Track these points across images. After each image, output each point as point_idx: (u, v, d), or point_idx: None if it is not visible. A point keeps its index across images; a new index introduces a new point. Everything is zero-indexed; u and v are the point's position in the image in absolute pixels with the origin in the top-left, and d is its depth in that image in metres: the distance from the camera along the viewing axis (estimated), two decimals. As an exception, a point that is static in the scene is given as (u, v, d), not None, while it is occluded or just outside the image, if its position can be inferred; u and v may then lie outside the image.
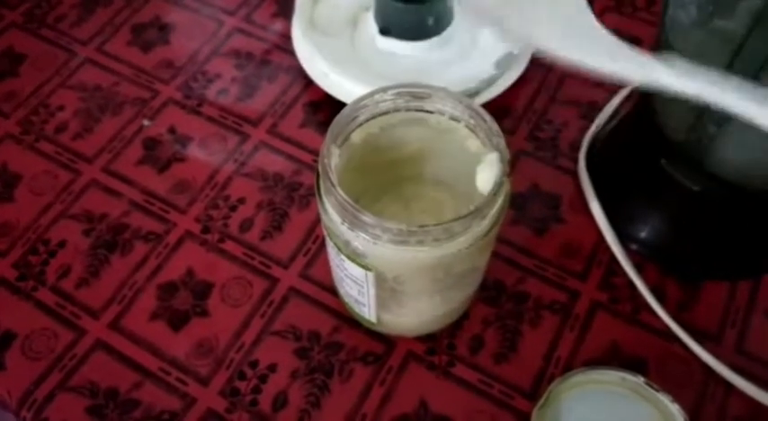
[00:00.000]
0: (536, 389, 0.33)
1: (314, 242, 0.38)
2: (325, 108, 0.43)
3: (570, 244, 0.38)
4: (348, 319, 0.35)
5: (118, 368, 0.34)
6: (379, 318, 0.32)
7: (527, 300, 0.36)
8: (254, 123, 0.43)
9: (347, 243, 0.26)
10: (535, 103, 0.43)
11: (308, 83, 0.44)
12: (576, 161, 0.41)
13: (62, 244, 0.38)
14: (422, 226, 0.24)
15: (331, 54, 0.41)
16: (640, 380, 0.31)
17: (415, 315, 0.31)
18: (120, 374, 0.34)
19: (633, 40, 0.46)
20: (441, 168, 0.33)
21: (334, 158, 0.26)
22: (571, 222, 0.39)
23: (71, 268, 0.37)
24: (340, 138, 0.27)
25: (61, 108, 0.44)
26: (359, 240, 0.26)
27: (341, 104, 0.41)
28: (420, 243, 0.25)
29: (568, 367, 0.34)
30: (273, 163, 0.41)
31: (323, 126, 0.42)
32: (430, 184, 0.34)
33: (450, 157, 0.32)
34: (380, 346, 0.35)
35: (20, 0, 0.49)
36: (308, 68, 0.42)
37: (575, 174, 0.40)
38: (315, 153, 0.41)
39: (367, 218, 0.24)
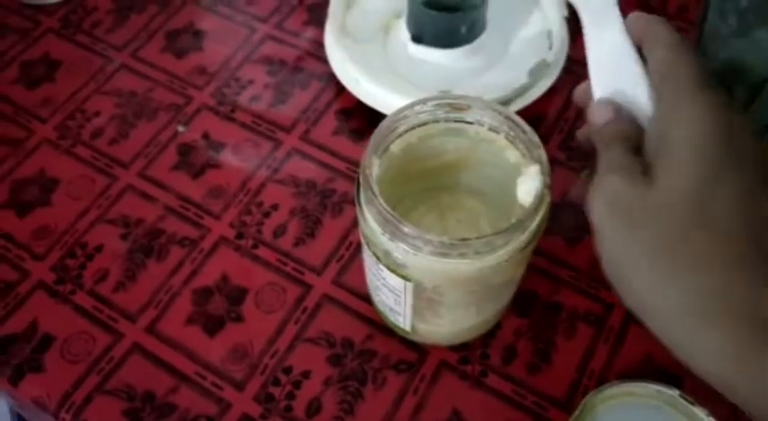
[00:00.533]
0: (570, 401, 0.33)
1: (347, 249, 0.38)
2: (358, 115, 0.43)
3: (604, 254, 0.38)
4: (381, 327, 0.36)
5: (154, 371, 0.35)
6: (413, 327, 0.32)
7: (561, 310, 0.36)
8: (287, 130, 0.43)
9: (387, 253, 0.26)
10: (567, 112, 0.43)
11: (341, 90, 0.44)
12: (609, 170, 0.40)
13: (99, 248, 0.39)
14: (463, 239, 0.24)
15: (363, 61, 0.41)
16: (675, 393, 0.31)
17: (450, 325, 0.31)
18: (157, 378, 0.35)
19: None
20: (477, 178, 0.33)
21: (375, 169, 0.26)
22: (605, 232, 0.38)
23: (108, 272, 0.38)
24: (380, 149, 0.27)
25: (97, 114, 0.44)
26: (399, 251, 0.26)
27: (373, 112, 0.42)
28: (461, 255, 0.25)
29: (602, 379, 0.34)
30: (306, 170, 0.41)
31: (355, 133, 0.43)
32: (466, 194, 0.34)
33: (488, 167, 0.32)
34: (413, 355, 0.35)
35: (56, 6, 0.49)
36: (341, 75, 0.42)
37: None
38: (347, 160, 0.41)
39: (408, 229, 0.25)
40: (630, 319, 0.35)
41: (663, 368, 0.34)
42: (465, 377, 0.34)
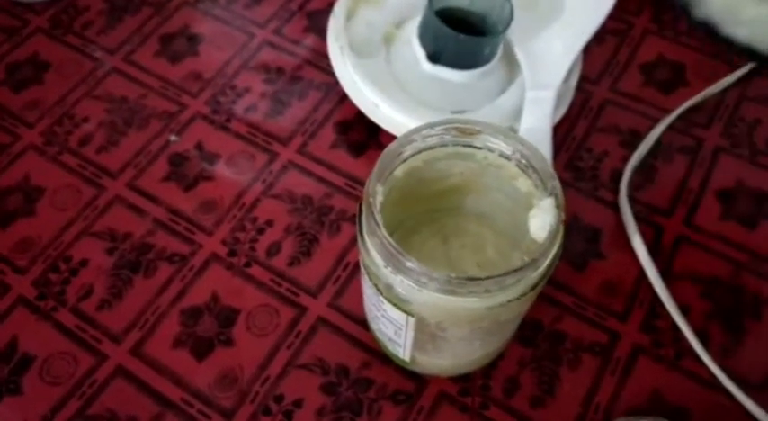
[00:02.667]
0: (574, 437, 0.32)
1: (344, 269, 0.37)
2: (358, 128, 0.42)
3: (611, 281, 0.36)
4: (378, 354, 0.34)
5: (138, 397, 0.33)
6: (413, 358, 0.31)
7: (565, 340, 0.35)
8: (284, 142, 0.41)
9: (389, 287, 0.25)
10: (575, 130, 0.42)
11: (340, 101, 0.42)
12: (617, 192, 0.39)
13: (84, 262, 0.37)
14: (472, 278, 0.23)
15: (367, 75, 0.39)
16: (684, 431, 0.30)
17: (451, 357, 0.30)
18: (141, 404, 0.33)
19: (675, 64, 0.44)
20: (483, 202, 0.31)
21: (378, 197, 0.25)
22: (611, 258, 0.37)
23: (93, 288, 0.36)
24: (385, 175, 0.26)
25: (86, 119, 0.42)
26: (402, 286, 0.24)
27: (372, 124, 0.40)
28: (469, 294, 0.23)
29: (608, 414, 0.32)
30: (303, 184, 0.40)
31: (354, 147, 0.41)
32: (470, 218, 0.32)
33: (495, 192, 0.30)
34: (411, 385, 0.33)
35: (46, 5, 0.47)
36: (355, 98, 0.40)
37: (615, 207, 0.39)
38: (346, 176, 0.40)
39: (413, 264, 0.23)
40: (638, 351, 0.34)
41: (671, 403, 0.33)
42: (465, 409, 0.33)
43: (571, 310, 0.35)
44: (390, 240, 0.23)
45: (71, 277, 0.37)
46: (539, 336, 0.35)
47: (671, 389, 0.33)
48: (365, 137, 0.41)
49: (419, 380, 0.33)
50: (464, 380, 0.33)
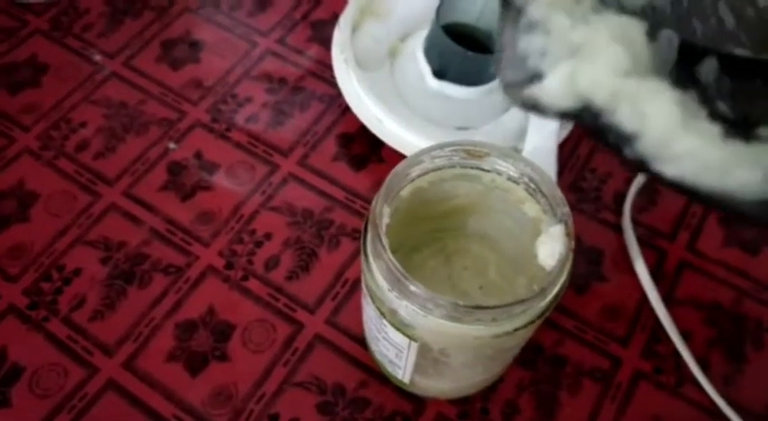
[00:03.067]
0: (573, 464, 0.31)
1: (343, 286, 0.36)
2: (360, 141, 0.41)
3: (612, 305, 0.36)
4: (376, 374, 0.33)
5: (130, 412, 0.32)
6: (412, 381, 0.30)
7: (565, 364, 0.34)
8: (285, 153, 0.41)
9: (393, 311, 0.24)
10: (579, 149, 0.41)
11: (343, 113, 0.42)
12: (620, 214, 0.39)
13: (77, 272, 0.36)
14: (479, 306, 0.22)
15: (371, 88, 0.39)
16: (684, 460, 0.29)
17: (453, 381, 0.29)
18: (132, 419, 0.32)
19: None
20: (487, 224, 0.31)
21: (385, 219, 0.24)
22: (614, 281, 0.37)
23: (86, 299, 0.35)
24: (391, 196, 0.25)
25: (83, 124, 0.42)
26: (407, 310, 0.24)
27: (375, 138, 0.39)
28: (475, 321, 0.23)
29: (608, 441, 0.32)
30: (303, 197, 0.39)
31: (356, 161, 0.40)
32: (473, 239, 0.32)
33: (500, 215, 0.30)
34: (409, 406, 0.33)
35: (45, 6, 0.47)
36: (359, 112, 0.39)
37: (618, 228, 0.38)
38: (346, 189, 0.39)
39: (419, 290, 0.23)
40: (639, 376, 0.34)
41: (671, 432, 0.32)
42: (463, 433, 0.32)
43: (572, 334, 0.35)
44: (397, 265, 0.23)
45: (64, 286, 0.36)
46: (539, 360, 0.34)
47: (671, 417, 0.33)
48: (367, 150, 0.41)
49: (417, 402, 0.33)
50: (463, 403, 0.33)
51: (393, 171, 0.25)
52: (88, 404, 0.32)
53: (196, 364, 0.34)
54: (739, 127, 0.16)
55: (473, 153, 0.26)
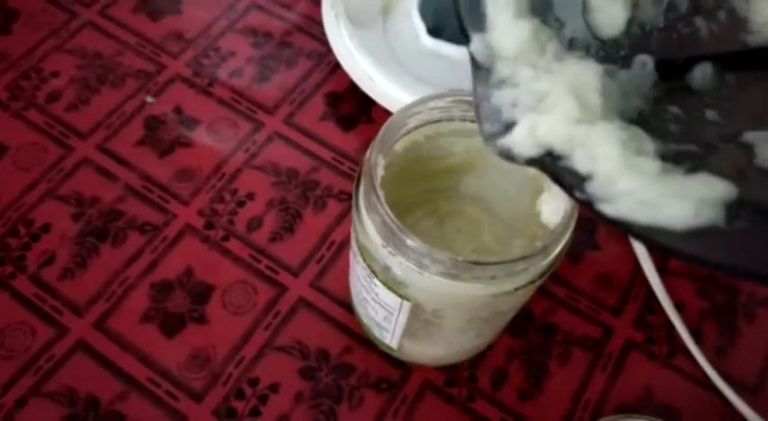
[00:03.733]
0: (562, 434, 0.31)
1: (328, 249, 0.35)
2: (349, 101, 0.39)
3: (606, 274, 0.35)
4: (362, 339, 0.32)
5: (101, 374, 0.31)
6: (400, 346, 0.29)
7: (556, 332, 0.33)
8: (270, 111, 0.39)
9: (386, 268, 0.23)
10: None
11: (332, 71, 0.40)
12: (614, 183, 0.38)
13: (47, 227, 0.34)
14: (479, 262, 0.21)
15: (363, 45, 0.37)
16: (675, 432, 0.29)
17: (443, 347, 0.28)
18: (104, 382, 0.30)
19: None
20: (483, 184, 0.29)
21: (380, 170, 0.23)
22: (607, 250, 0.36)
23: (55, 256, 0.34)
24: (387, 147, 0.24)
25: (56, 74, 0.39)
26: (401, 268, 0.22)
27: (365, 97, 0.38)
28: (473, 279, 0.21)
29: (597, 411, 0.31)
30: (288, 157, 0.37)
31: (344, 121, 0.39)
32: (467, 200, 0.30)
33: (497, 174, 0.28)
34: (396, 373, 0.31)
35: (17, -51, 0.44)
36: (349, 69, 0.38)
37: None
38: (334, 150, 0.38)
39: (416, 245, 0.21)
40: (630, 346, 0.33)
41: (661, 403, 0.32)
42: (451, 401, 0.31)
43: (564, 303, 0.34)
44: (393, 218, 0.21)
45: (32, 242, 0.34)
46: (530, 328, 0.33)
47: (662, 388, 0.32)
48: (356, 110, 0.39)
49: (404, 369, 0.32)
50: (450, 370, 0.32)
51: (389, 120, 0.23)
52: (56, 365, 0.31)
53: (172, 326, 0.32)
54: (687, 157, 0.17)
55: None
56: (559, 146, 0.17)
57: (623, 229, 0.16)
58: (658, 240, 0.16)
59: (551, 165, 0.17)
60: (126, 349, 0.31)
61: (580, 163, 0.17)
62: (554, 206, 0.23)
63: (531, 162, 0.18)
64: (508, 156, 0.18)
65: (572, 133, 0.17)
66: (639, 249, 0.35)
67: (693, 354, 0.33)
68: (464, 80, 0.38)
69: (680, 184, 0.16)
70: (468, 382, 0.32)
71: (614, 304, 0.34)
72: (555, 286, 0.34)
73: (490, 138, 0.18)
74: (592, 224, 0.36)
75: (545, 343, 0.33)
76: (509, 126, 0.18)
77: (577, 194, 0.17)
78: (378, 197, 0.22)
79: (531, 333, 0.33)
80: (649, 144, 0.17)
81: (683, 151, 0.17)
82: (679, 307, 0.34)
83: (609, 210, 0.16)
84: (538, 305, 0.34)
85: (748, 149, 0.17)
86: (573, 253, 0.35)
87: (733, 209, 0.15)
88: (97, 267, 0.33)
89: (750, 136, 0.17)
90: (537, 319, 0.33)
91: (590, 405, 0.31)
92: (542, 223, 0.24)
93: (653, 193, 0.16)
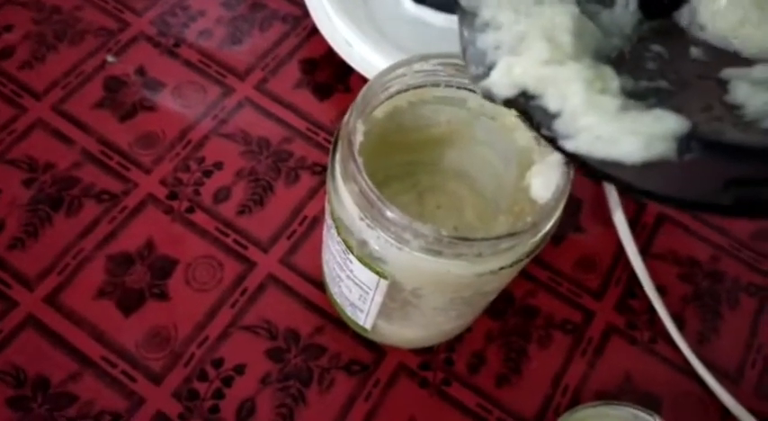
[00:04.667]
0: (540, 419, 0.29)
1: (300, 224, 0.33)
2: (325, 68, 0.37)
3: (588, 256, 0.34)
4: (334, 319, 0.30)
5: (51, 352, 0.28)
6: (375, 327, 0.27)
7: (536, 315, 0.32)
8: (241, 76, 0.36)
9: (363, 243, 0.21)
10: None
11: (308, 36, 0.38)
12: (599, 163, 0.36)
13: (-6, 193, 0.32)
14: (465, 238, 0.19)
15: (342, 9, 0.35)
16: (655, 419, 0.28)
17: (420, 328, 0.27)
18: (54, 361, 0.28)
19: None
20: (466, 158, 0.28)
21: (359, 136, 0.21)
22: (591, 232, 0.34)
23: (4, 224, 0.31)
24: (366, 111, 0.22)
25: (8, 28, 0.36)
26: (379, 242, 0.21)
27: (343, 65, 0.36)
28: (457, 256, 0.20)
29: (577, 396, 0.30)
30: (259, 125, 0.35)
31: (320, 89, 0.37)
32: (449, 175, 0.29)
33: (482, 147, 0.27)
34: (368, 355, 0.30)
35: None
36: (326, 33, 0.35)
37: (594, 178, 0.36)
38: (308, 120, 0.35)
39: (397, 216, 0.19)
40: (611, 331, 0.32)
41: (641, 389, 0.31)
42: (425, 385, 0.30)
43: (545, 285, 0.33)
44: (372, 187, 0.19)
45: (-22, 209, 0.31)
46: (509, 310, 0.32)
47: (643, 374, 0.31)
48: (333, 79, 0.37)
49: (377, 351, 0.30)
50: (426, 353, 0.30)
51: (369, 82, 0.22)
52: (2, 342, 0.28)
53: (130, 302, 0.30)
54: (654, 94, 0.18)
55: (463, 69, 0.23)
56: (532, 86, 0.18)
57: (580, 164, 0.17)
58: (611, 173, 0.17)
59: (524, 104, 0.18)
60: (79, 326, 0.29)
61: (551, 102, 0.18)
62: (545, 180, 0.21)
63: (508, 102, 0.18)
64: (489, 96, 0.19)
65: (542, 73, 0.18)
66: (623, 231, 0.34)
67: (675, 341, 0.32)
68: (446, 49, 0.36)
69: (633, 120, 0.17)
70: (444, 366, 0.30)
71: (596, 287, 0.33)
72: (536, 268, 0.33)
73: (475, 79, 0.19)
74: (576, 205, 0.35)
75: (525, 326, 0.32)
76: (492, 68, 0.19)
77: (544, 131, 0.18)
78: (357, 165, 0.20)
79: (510, 315, 0.32)
80: (615, 82, 0.18)
81: (652, 88, 0.18)
82: (661, 291, 0.33)
83: (569, 145, 0.17)
84: (518, 287, 0.32)
85: (723, 86, 0.18)
86: (555, 234, 0.34)
87: (683, 142, 0.16)
88: (49, 237, 0.31)
89: (728, 72, 0.18)
90: (517, 301, 0.32)
91: (569, 390, 0.30)
92: (530, 199, 0.23)
93: (609, 129, 0.17)
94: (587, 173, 0.18)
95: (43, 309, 0.29)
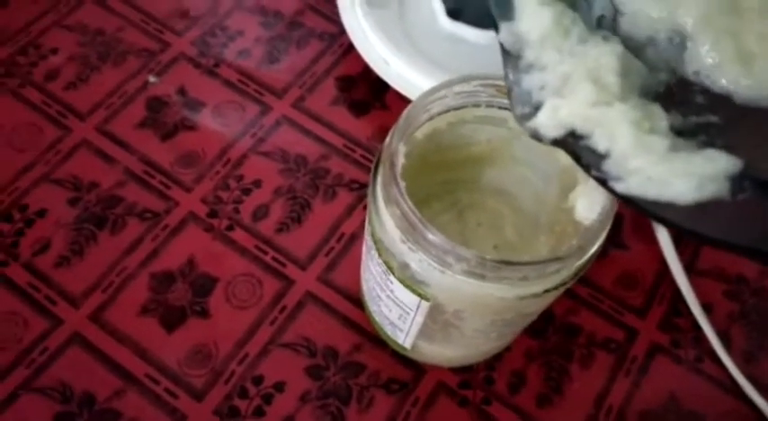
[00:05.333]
0: (583, 441, 0.29)
1: (338, 241, 0.33)
2: (362, 85, 0.37)
3: (630, 273, 0.33)
4: (372, 337, 0.30)
5: (97, 369, 0.29)
6: (414, 346, 0.27)
7: (578, 334, 0.31)
8: (279, 94, 0.37)
9: (404, 265, 0.21)
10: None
11: (344, 54, 0.38)
12: (639, 177, 0.36)
13: (42, 213, 0.32)
14: (509, 262, 0.19)
15: (378, 26, 0.35)
16: (702, 441, 0.27)
17: (460, 348, 0.27)
18: (99, 378, 0.29)
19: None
20: (506, 176, 0.27)
21: (401, 158, 0.21)
22: (633, 248, 0.34)
23: (50, 243, 0.32)
24: (408, 133, 0.22)
25: (54, 51, 0.37)
26: (421, 265, 0.20)
27: (379, 82, 0.36)
28: (500, 280, 0.20)
29: (621, 417, 0.30)
30: (297, 143, 0.35)
31: (356, 106, 0.37)
32: (488, 193, 0.28)
33: (522, 166, 0.27)
34: (408, 373, 0.30)
35: None
36: (363, 52, 0.36)
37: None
38: (345, 136, 0.36)
39: (440, 240, 0.19)
40: (655, 350, 0.31)
41: (688, 408, 0.30)
42: (465, 404, 0.29)
43: (586, 302, 0.32)
44: (415, 210, 0.19)
45: (26, 228, 0.32)
46: (549, 329, 0.31)
47: (688, 393, 0.30)
48: (369, 96, 0.37)
49: (416, 369, 0.30)
50: (465, 372, 0.30)
51: (412, 104, 0.22)
52: (49, 358, 0.29)
53: (172, 320, 0.30)
54: (704, 130, 0.18)
55: (503, 89, 0.23)
56: (580, 126, 0.18)
57: (632, 206, 0.17)
58: (663, 215, 0.17)
59: (573, 144, 0.18)
60: (123, 343, 0.30)
61: (599, 142, 0.18)
62: (590, 201, 0.21)
63: (556, 142, 0.18)
64: (536, 136, 0.19)
65: (589, 115, 0.18)
66: (666, 248, 0.33)
67: (721, 359, 0.31)
68: (483, 65, 0.36)
69: (684, 161, 0.17)
70: (483, 385, 0.30)
71: (639, 305, 0.32)
72: (577, 285, 0.32)
73: (521, 119, 0.19)
74: (618, 221, 0.34)
75: (566, 344, 0.31)
76: (538, 108, 0.19)
77: (593, 172, 0.18)
78: (399, 188, 0.20)
79: (550, 334, 0.31)
80: (663, 121, 0.18)
81: (702, 123, 0.18)
82: (707, 309, 0.32)
83: (619, 187, 0.17)
84: (559, 304, 0.32)
85: None
86: (596, 250, 0.33)
87: (736, 182, 0.16)
88: (94, 256, 0.32)
89: None
90: (557, 319, 0.32)
91: (613, 411, 0.30)
92: (573, 219, 0.22)
93: (660, 170, 0.17)
94: (639, 213, 0.17)
95: (88, 326, 0.30)
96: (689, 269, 0.33)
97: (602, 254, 0.33)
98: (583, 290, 0.32)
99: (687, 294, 0.32)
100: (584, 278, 0.33)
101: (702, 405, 0.30)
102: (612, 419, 0.30)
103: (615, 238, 0.34)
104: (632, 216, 0.35)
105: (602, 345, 0.31)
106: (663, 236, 0.33)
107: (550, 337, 0.31)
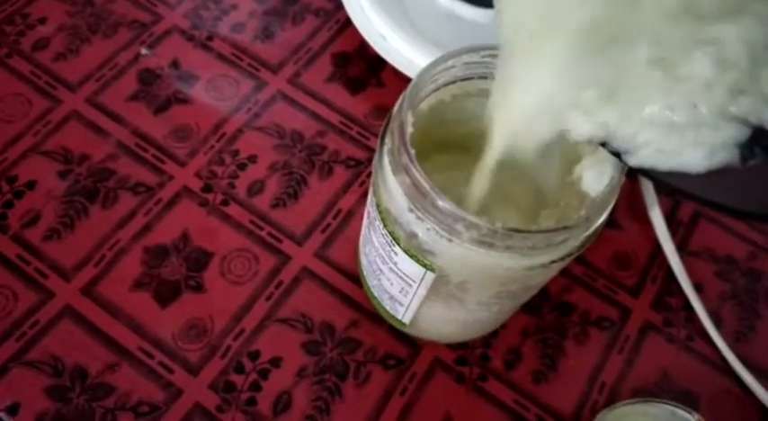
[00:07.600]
0: (577, 416, 0.29)
1: (334, 217, 0.33)
2: (358, 62, 0.37)
3: (624, 253, 0.33)
4: (369, 313, 0.30)
5: (89, 343, 0.29)
6: (413, 321, 0.27)
7: (572, 312, 0.32)
8: (274, 69, 0.36)
9: (412, 235, 0.21)
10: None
11: (340, 30, 0.38)
12: (633, 159, 0.36)
13: (31, 184, 0.32)
14: (519, 229, 0.19)
15: (376, 2, 0.35)
16: (694, 417, 0.27)
17: (458, 324, 0.27)
18: (92, 351, 0.28)
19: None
20: (507, 152, 0.27)
21: (409, 127, 0.21)
22: (627, 228, 0.34)
23: (40, 215, 0.31)
24: (416, 103, 0.22)
25: (43, 21, 0.36)
26: (429, 234, 0.20)
27: (377, 58, 0.36)
28: (509, 249, 0.20)
29: (614, 393, 0.30)
30: (293, 118, 0.35)
31: (353, 83, 0.36)
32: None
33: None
34: (404, 349, 0.30)
35: None
36: (361, 27, 0.35)
37: (635, 174, 0.36)
38: (342, 113, 0.35)
39: (450, 207, 0.19)
40: (648, 328, 0.32)
41: (679, 388, 0.30)
42: (461, 380, 0.29)
43: (581, 281, 0.32)
44: (425, 177, 0.19)
45: (15, 200, 0.31)
46: (545, 306, 0.32)
47: (680, 372, 0.31)
48: (366, 72, 0.37)
49: (413, 345, 0.30)
50: (462, 348, 0.30)
51: (419, 73, 0.21)
52: (40, 332, 0.28)
53: (167, 294, 0.30)
54: None
55: (510, 60, 0.22)
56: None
57: (646, 177, 0.18)
58: (676, 184, 0.17)
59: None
60: (116, 317, 0.29)
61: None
62: (597, 172, 0.21)
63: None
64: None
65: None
66: (659, 228, 0.33)
67: (712, 338, 0.31)
68: (482, 44, 0.36)
69: (693, 131, 0.17)
70: (480, 361, 0.30)
71: (632, 284, 0.33)
72: (573, 264, 0.33)
73: None
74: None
75: (560, 322, 0.31)
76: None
77: (608, 147, 0.18)
78: (409, 155, 0.20)
79: (546, 311, 0.31)
80: None
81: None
82: (698, 289, 0.33)
83: (631, 160, 0.18)
84: (554, 283, 0.32)
85: None
86: (591, 229, 0.34)
87: (746, 149, 0.16)
88: (86, 229, 0.31)
89: None
90: (553, 297, 0.32)
91: (606, 387, 0.30)
92: (577, 193, 0.23)
93: (670, 143, 0.17)
94: (654, 185, 0.18)
95: (80, 299, 0.29)
96: (681, 249, 0.33)
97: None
98: (578, 268, 0.33)
99: (679, 274, 0.33)
100: (579, 256, 0.33)
101: (694, 383, 0.31)
102: (606, 395, 0.30)
103: (610, 218, 0.34)
104: (626, 196, 0.35)
105: (595, 323, 0.31)
106: (656, 216, 0.34)
107: (546, 315, 0.31)
